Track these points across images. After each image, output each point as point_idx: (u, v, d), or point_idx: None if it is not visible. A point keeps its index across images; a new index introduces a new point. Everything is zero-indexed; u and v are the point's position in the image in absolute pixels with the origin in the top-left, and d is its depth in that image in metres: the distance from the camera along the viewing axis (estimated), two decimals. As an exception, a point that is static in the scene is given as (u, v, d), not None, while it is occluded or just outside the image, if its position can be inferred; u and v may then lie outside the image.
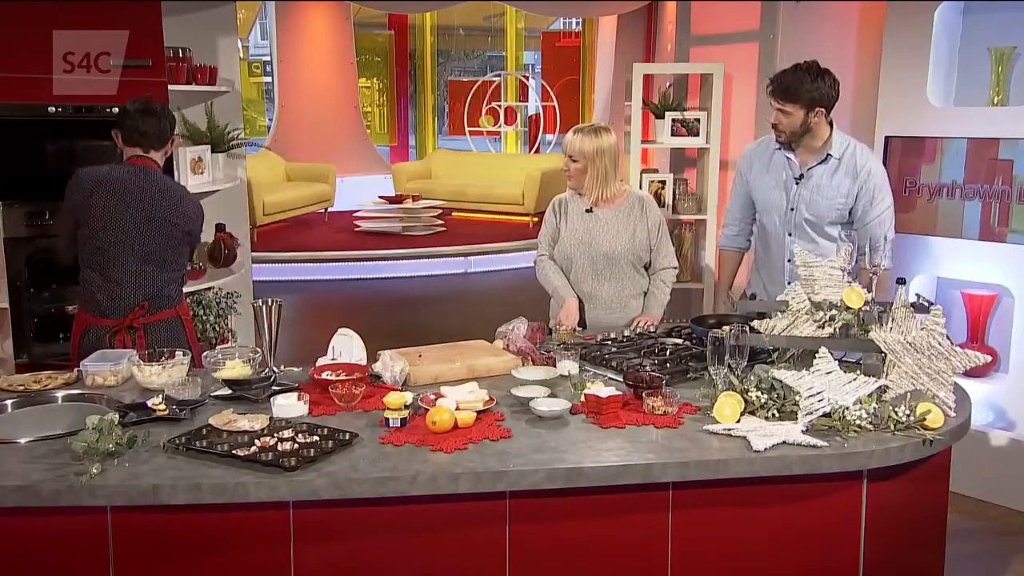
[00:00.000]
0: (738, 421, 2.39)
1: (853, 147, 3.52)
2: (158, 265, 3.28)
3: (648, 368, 2.79)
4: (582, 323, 3.52)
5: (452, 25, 17.02)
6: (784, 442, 2.28)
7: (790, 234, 3.58)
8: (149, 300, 3.27)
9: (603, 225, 3.53)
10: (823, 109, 3.42)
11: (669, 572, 2.31)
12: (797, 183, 3.54)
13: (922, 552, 2.63)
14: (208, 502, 2.08)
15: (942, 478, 2.64)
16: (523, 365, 2.91)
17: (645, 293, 3.62)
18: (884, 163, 4.39)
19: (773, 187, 3.60)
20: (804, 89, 3.37)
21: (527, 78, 15.96)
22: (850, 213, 3.53)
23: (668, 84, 6.01)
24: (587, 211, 3.55)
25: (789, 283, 3.55)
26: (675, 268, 3.65)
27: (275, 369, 2.84)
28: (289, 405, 2.49)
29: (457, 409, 2.42)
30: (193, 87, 4.90)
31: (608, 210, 3.55)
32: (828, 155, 3.49)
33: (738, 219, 3.82)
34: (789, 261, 3.58)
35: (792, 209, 3.56)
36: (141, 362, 2.73)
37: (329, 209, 11.65)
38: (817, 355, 2.50)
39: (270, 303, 2.87)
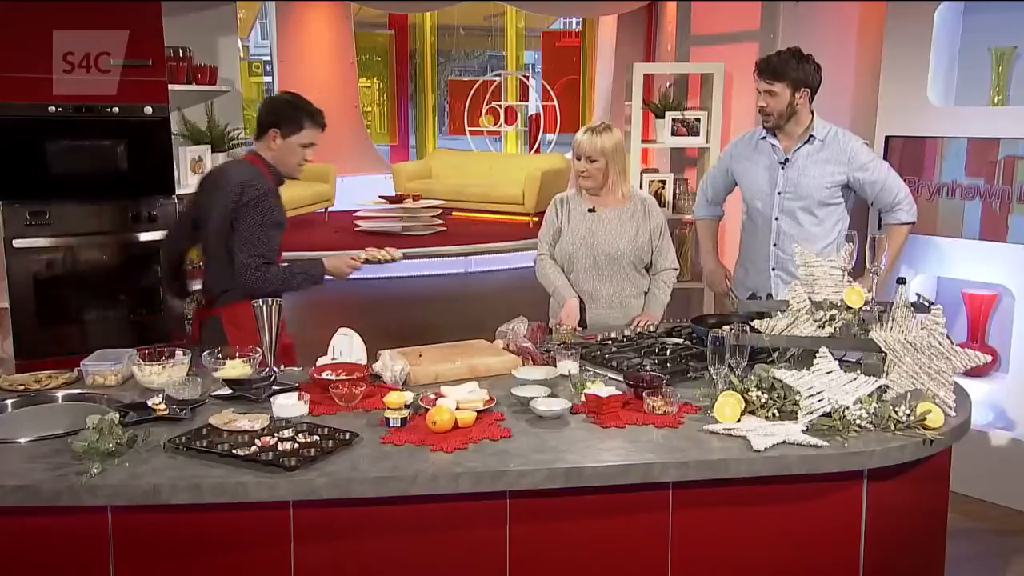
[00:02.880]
0: (738, 421, 2.39)
1: (835, 132, 3.62)
2: (207, 259, 3.31)
3: (648, 368, 2.79)
4: (583, 323, 3.52)
5: (452, 25, 17.01)
6: (784, 442, 2.28)
7: (777, 219, 3.63)
8: (206, 294, 3.32)
9: (605, 225, 3.53)
10: (808, 91, 3.52)
11: (669, 572, 2.31)
12: (783, 167, 3.60)
13: (922, 552, 2.63)
14: (208, 502, 2.08)
15: (942, 478, 2.64)
16: (523, 365, 2.91)
17: (645, 293, 3.62)
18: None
19: (760, 171, 3.67)
20: (790, 68, 3.48)
21: (527, 78, 15.96)
22: (855, 189, 3.62)
23: (668, 84, 6.01)
24: (590, 211, 3.55)
25: (774, 269, 3.62)
26: (676, 270, 3.66)
27: (275, 369, 2.84)
28: (289, 405, 2.49)
29: (457, 409, 2.42)
30: (193, 87, 4.90)
31: (611, 210, 3.55)
32: (811, 136, 3.58)
33: (712, 190, 3.92)
34: (775, 246, 3.65)
35: (779, 193, 3.61)
36: (141, 362, 2.73)
37: (329, 209, 11.64)
38: (817, 355, 2.50)
39: (270, 303, 2.87)
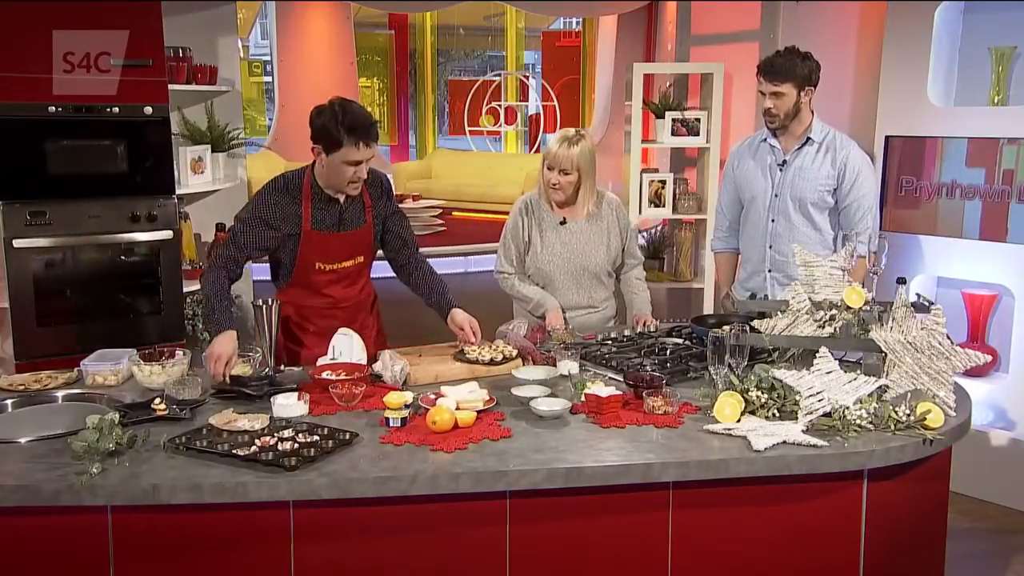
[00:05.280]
0: (738, 421, 2.39)
1: (833, 134, 3.61)
2: None
3: (648, 368, 2.79)
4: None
5: (452, 25, 17.01)
6: (784, 442, 2.28)
7: (773, 220, 3.63)
8: None
9: (579, 238, 3.44)
10: (812, 88, 3.52)
11: (669, 572, 2.31)
12: (781, 169, 3.61)
13: (922, 552, 2.63)
14: (208, 502, 2.08)
15: (942, 478, 2.64)
16: (523, 365, 2.91)
17: (614, 293, 3.60)
18: (884, 163, 4.40)
19: (758, 174, 3.67)
20: (796, 68, 3.47)
21: (527, 78, 15.96)
22: (835, 199, 3.59)
23: (668, 84, 6.01)
24: (561, 223, 3.44)
25: (770, 271, 3.62)
26: (641, 260, 3.66)
27: (279, 369, 2.84)
28: (289, 405, 2.49)
29: (457, 409, 2.42)
30: (193, 87, 4.90)
31: (583, 221, 3.45)
32: (809, 138, 3.58)
33: (728, 220, 3.86)
34: (770, 247, 3.65)
35: (776, 195, 3.62)
36: (141, 362, 2.73)
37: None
38: (817, 355, 2.50)
39: (270, 303, 2.87)
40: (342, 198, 3.08)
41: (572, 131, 3.38)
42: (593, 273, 3.47)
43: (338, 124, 2.87)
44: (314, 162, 3.05)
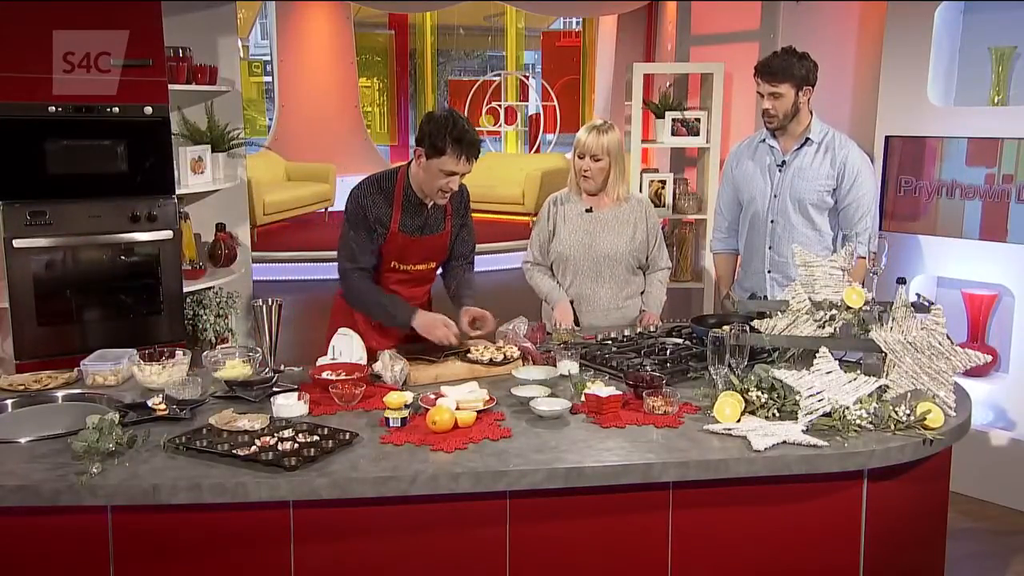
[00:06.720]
0: (738, 421, 2.39)
1: (832, 134, 3.61)
2: None
3: (648, 368, 2.79)
4: (576, 323, 3.50)
5: (452, 25, 17.02)
6: (784, 442, 2.28)
7: (772, 221, 3.63)
8: None
9: (603, 225, 3.51)
10: (810, 88, 3.53)
11: (669, 572, 2.31)
12: (780, 169, 3.60)
13: (922, 552, 2.63)
14: (208, 502, 2.08)
15: (942, 478, 2.64)
16: (523, 365, 2.91)
17: (642, 293, 3.61)
18: (884, 163, 4.40)
19: (757, 175, 3.67)
20: (794, 68, 3.48)
21: (527, 78, 15.96)
22: (835, 199, 3.59)
23: (668, 84, 6.01)
24: (587, 211, 3.52)
25: (769, 272, 3.62)
26: (670, 268, 3.68)
27: (279, 369, 2.84)
28: (289, 405, 2.49)
29: (457, 409, 2.42)
30: (193, 87, 4.90)
31: (608, 210, 3.52)
32: (808, 139, 3.58)
33: (727, 220, 3.86)
34: (770, 248, 3.65)
35: (776, 196, 3.61)
36: (141, 362, 2.73)
37: (329, 209, 11.64)
38: (817, 355, 2.50)
39: (270, 303, 2.87)
40: (430, 203, 3.15)
41: (600, 120, 3.51)
42: (614, 261, 3.48)
43: (446, 133, 2.93)
44: (409, 164, 3.12)
